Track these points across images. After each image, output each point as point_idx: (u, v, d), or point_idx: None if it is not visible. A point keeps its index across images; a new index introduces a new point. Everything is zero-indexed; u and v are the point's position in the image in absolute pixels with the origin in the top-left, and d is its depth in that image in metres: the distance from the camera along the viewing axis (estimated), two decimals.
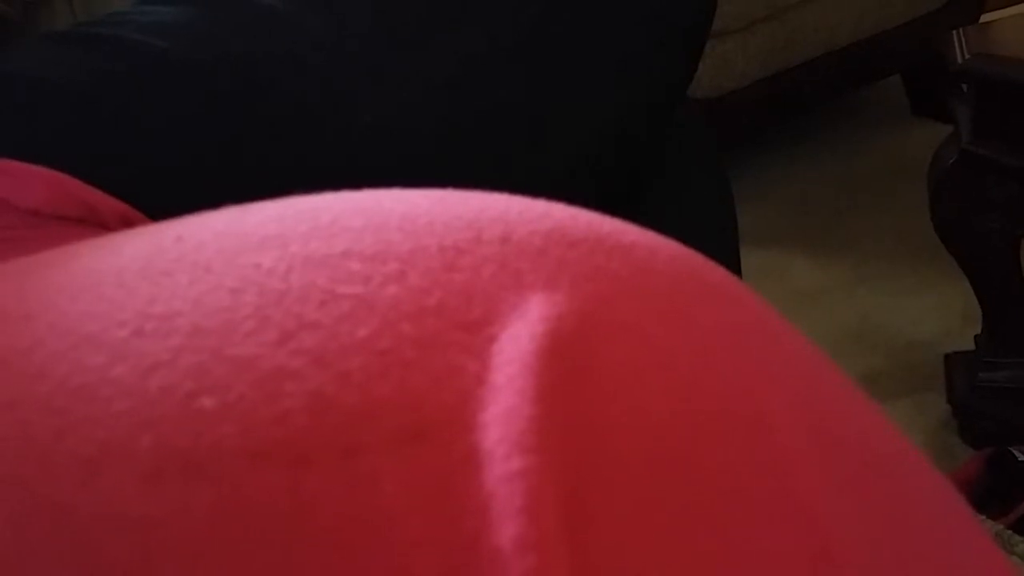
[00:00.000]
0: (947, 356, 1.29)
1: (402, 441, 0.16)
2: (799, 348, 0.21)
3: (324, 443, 0.16)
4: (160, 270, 0.19)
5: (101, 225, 0.43)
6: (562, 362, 0.17)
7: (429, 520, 0.15)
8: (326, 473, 0.15)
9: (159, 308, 0.18)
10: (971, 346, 1.27)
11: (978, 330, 1.25)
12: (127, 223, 0.43)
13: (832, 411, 0.20)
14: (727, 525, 0.16)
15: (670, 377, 0.18)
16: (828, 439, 0.19)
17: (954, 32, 1.14)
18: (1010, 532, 1.03)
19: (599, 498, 0.16)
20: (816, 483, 0.17)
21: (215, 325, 0.17)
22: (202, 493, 0.15)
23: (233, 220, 0.21)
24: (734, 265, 0.68)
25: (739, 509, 0.16)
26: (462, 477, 0.15)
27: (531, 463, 0.15)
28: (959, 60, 1.09)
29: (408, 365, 0.16)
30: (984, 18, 1.90)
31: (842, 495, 0.18)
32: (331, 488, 0.15)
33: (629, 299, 0.19)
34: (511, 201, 0.21)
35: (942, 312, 1.44)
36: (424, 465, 0.15)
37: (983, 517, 1.05)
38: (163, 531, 0.15)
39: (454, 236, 0.19)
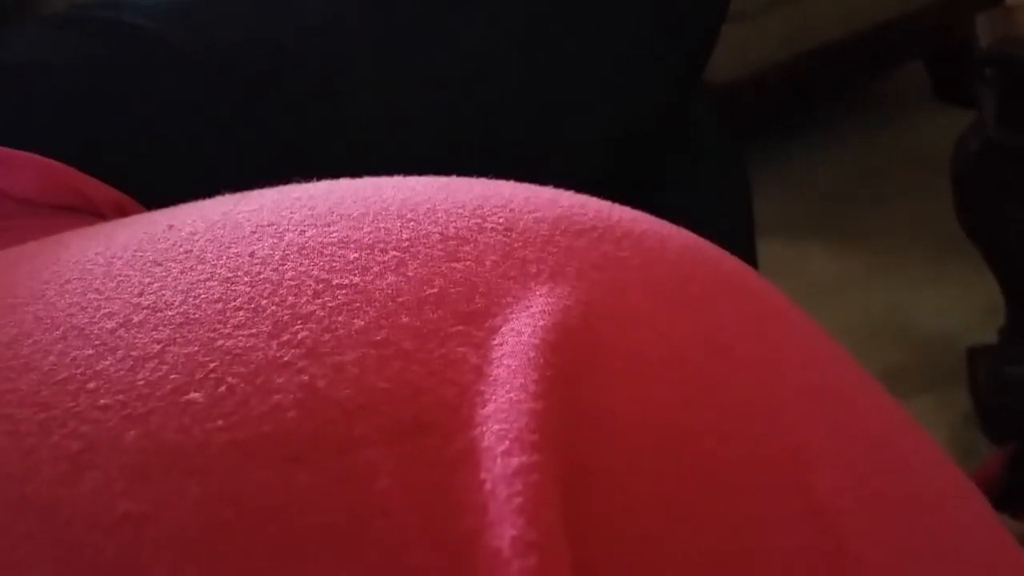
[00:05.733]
0: (970, 350, 1.28)
1: (398, 435, 0.15)
2: (815, 340, 0.20)
3: (316, 438, 0.15)
4: (151, 259, 0.19)
5: (95, 214, 0.42)
6: (566, 355, 0.16)
7: (426, 517, 0.15)
8: (318, 469, 0.15)
9: (149, 299, 0.18)
10: (994, 339, 1.26)
11: (1002, 323, 1.23)
12: (122, 211, 0.44)
13: (850, 404, 0.19)
14: (737, 522, 0.16)
15: (679, 370, 0.17)
16: (846, 433, 0.18)
17: (978, 15, 1.12)
18: None
19: (602, 496, 0.15)
20: (833, 479, 0.17)
21: (206, 316, 0.17)
22: (190, 489, 0.15)
23: (227, 209, 0.20)
24: (750, 258, 0.66)
25: (750, 506, 0.16)
26: (460, 474, 0.15)
27: (532, 460, 0.15)
28: (983, 44, 1.07)
29: (405, 357, 0.16)
30: (1009, 1, 1.87)
31: (860, 491, 0.17)
32: (324, 484, 0.15)
33: (637, 289, 0.18)
34: (516, 188, 0.20)
35: (965, 305, 1.43)
36: (421, 460, 0.15)
37: (1006, 515, 1.04)
38: (149, 528, 0.15)
39: (456, 224, 0.19)
